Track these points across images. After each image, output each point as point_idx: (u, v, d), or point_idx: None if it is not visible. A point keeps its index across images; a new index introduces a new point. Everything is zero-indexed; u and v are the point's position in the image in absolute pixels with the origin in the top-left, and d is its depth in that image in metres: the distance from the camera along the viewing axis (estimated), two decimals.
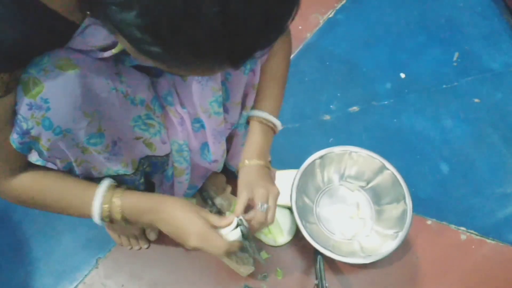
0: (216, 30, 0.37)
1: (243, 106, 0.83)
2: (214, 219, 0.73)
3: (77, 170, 0.68)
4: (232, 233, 0.73)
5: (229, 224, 0.73)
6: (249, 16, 0.37)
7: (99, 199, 0.67)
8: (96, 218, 0.68)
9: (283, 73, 0.85)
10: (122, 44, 0.45)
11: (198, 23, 0.36)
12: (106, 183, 0.69)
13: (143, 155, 0.75)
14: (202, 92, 0.72)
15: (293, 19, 0.42)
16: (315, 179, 1.06)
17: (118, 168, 0.70)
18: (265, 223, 0.77)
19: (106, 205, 0.68)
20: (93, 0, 0.40)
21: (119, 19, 0.38)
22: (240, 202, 0.76)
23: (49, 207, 0.70)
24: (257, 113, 0.82)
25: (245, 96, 0.81)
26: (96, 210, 0.67)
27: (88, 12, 0.47)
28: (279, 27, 0.42)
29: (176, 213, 0.70)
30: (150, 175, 0.84)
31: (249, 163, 0.80)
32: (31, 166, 0.66)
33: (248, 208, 0.78)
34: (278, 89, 0.85)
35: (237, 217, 0.74)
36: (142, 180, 0.78)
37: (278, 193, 0.79)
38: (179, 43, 0.38)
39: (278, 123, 0.83)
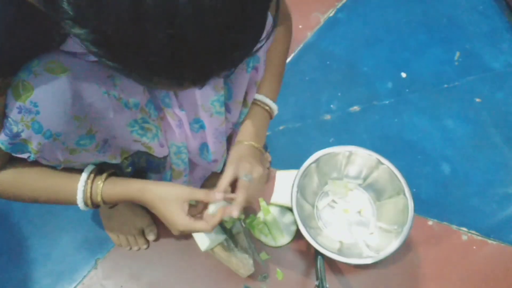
0: (166, 52, 0.37)
1: (244, 103, 0.82)
2: (201, 194, 0.71)
3: (61, 166, 0.68)
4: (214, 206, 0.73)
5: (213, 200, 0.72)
6: (199, 39, 0.36)
7: (82, 184, 0.68)
8: (80, 201, 0.69)
9: (282, 59, 0.84)
10: None
11: (149, 44, 0.36)
12: (88, 169, 0.70)
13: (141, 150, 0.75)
14: (204, 91, 0.71)
15: (263, 44, 0.41)
16: (314, 181, 1.06)
17: (105, 159, 0.70)
18: (251, 196, 0.74)
19: (88, 193, 0.69)
20: (50, 12, 0.39)
21: (73, 33, 0.38)
22: (225, 176, 0.73)
23: (35, 198, 0.70)
24: (256, 96, 0.81)
25: (246, 94, 0.80)
26: (79, 194, 0.68)
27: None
28: (239, 48, 0.41)
29: (156, 205, 0.70)
30: (145, 171, 0.83)
31: (243, 142, 0.78)
32: (12, 159, 0.66)
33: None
34: (276, 75, 0.84)
35: (221, 192, 0.72)
36: (129, 170, 0.76)
37: (262, 171, 0.76)
38: (134, 62, 0.38)
39: (274, 107, 0.82)
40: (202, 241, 0.88)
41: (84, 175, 0.69)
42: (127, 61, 0.38)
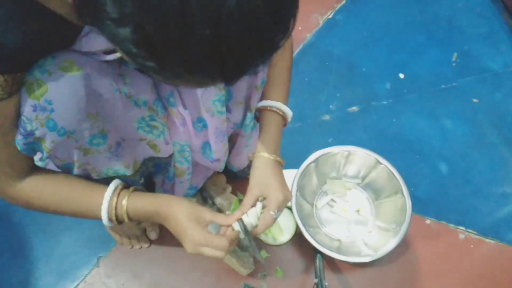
0: (208, 51, 0.38)
1: (247, 107, 0.82)
2: (221, 219, 0.72)
3: (76, 171, 0.68)
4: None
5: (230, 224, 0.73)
6: (241, 39, 0.38)
7: (107, 201, 0.68)
8: (104, 219, 0.69)
9: (288, 64, 0.86)
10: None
11: (190, 43, 0.37)
12: (113, 186, 0.70)
13: (147, 156, 0.76)
14: (205, 91, 0.72)
15: (287, 38, 0.43)
16: (313, 180, 1.07)
17: (118, 168, 0.70)
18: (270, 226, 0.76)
19: (113, 209, 0.69)
20: (89, 14, 0.40)
21: (114, 33, 0.38)
22: (250, 197, 0.74)
23: (58, 211, 0.70)
24: (269, 103, 0.80)
25: (249, 98, 0.81)
26: (104, 212, 0.68)
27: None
28: (272, 47, 0.42)
29: (178, 220, 0.70)
30: (153, 175, 0.84)
31: (263, 156, 0.77)
32: (36, 169, 0.67)
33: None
34: (285, 81, 0.85)
35: (243, 212, 0.73)
36: (142, 181, 0.78)
37: (291, 198, 0.78)
38: (172, 60, 0.39)
39: (290, 113, 0.82)
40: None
41: (111, 186, 0.69)
42: (166, 59, 0.39)
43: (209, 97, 0.73)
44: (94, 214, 0.69)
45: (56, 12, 0.50)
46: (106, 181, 0.73)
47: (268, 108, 0.80)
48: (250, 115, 0.83)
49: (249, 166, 0.99)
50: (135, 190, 0.73)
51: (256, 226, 0.74)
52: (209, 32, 0.36)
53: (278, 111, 0.80)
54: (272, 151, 0.77)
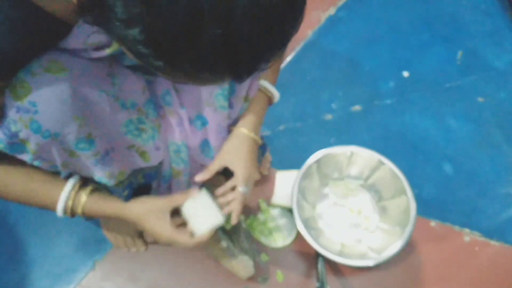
0: (218, 50, 0.38)
1: (245, 98, 0.82)
2: (179, 199, 0.73)
3: (63, 172, 0.68)
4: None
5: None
6: (251, 37, 0.38)
7: (65, 194, 0.68)
8: (59, 211, 0.69)
9: None
10: (127, 55, 0.45)
11: (200, 42, 0.37)
12: (74, 179, 0.70)
13: (136, 166, 0.75)
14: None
15: (296, 33, 0.43)
16: (314, 181, 1.05)
17: (101, 176, 0.70)
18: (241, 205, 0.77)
19: (70, 201, 0.69)
20: (96, 14, 0.40)
21: (123, 34, 0.38)
22: (215, 165, 0.76)
23: (17, 199, 0.69)
24: (260, 82, 0.81)
25: (248, 88, 0.80)
26: (60, 203, 0.68)
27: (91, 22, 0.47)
28: (282, 43, 0.42)
29: (139, 223, 0.73)
30: (143, 184, 0.83)
31: (241, 131, 0.79)
32: (1, 158, 0.65)
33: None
34: (277, 62, 0.84)
35: (204, 180, 0.75)
36: (125, 193, 0.77)
37: (258, 178, 0.81)
38: (182, 59, 0.39)
39: (277, 93, 0.83)
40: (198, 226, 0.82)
41: (68, 185, 0.69)
42: (175, 59, 0.39)
43: (213, 90, 0.72)
44: (47, 203, 0.69)
45: (48, 11, 0.49)
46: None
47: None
48: (245, 105, 0.82)
49: None
50: (94, 189, 0.73)
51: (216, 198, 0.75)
52: (219, 32, 0.36)
53: (265, 91, 0.81)
54: (251, 129, 0.79)
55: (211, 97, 0.73)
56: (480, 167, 1.19)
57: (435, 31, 1.47)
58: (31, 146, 0.58)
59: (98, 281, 0.98)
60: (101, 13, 0.38)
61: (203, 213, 0.73)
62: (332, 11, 1.51)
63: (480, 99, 1.32)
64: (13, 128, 0.56)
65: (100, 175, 0.69)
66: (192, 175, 0.92)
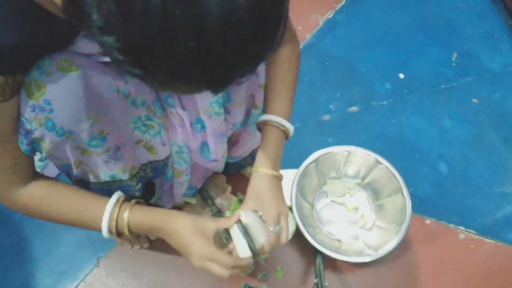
0: (192, 62, 0.38)
1: (249, 106, 0.82)
2: (223, 223, 0.71)
3: (75, 171, 0.69)
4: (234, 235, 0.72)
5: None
6: (225, 51, 0.38)
7: (108, 213, 0.68)
8: (104, 231, 0.69)
9: (293, 77, 0.84)
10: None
11: (175, 54, 0.37)
12: (115, 198, 0.70)
13: (145, 160, 0.76)
14: (203, 94, 0.72)
15: (275, 49, 0.43)
16: (313, 180, 1.07)
17: (115, 172, 0.70)
18: (279, 244, 0.75)
19: (114, 222, 0.68)
20: (76, 20, 0.40)
21: (100, 41, 0.39)
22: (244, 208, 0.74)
23: (57, 219, 0.70)
24: (270, 117, 0.79)
25: (252, 97, 0.81)
26: (104, 224, 0.68)
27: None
28: (257, 58, 0.42)
29: (183, 235, 0.70)
30: (152, 179, 0.84)
31: (262, 171, 0.76)
32: (37, 176, 0.66)
33: None
34: (289, 94, 0.83)
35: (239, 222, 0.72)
36: (139, 186, 0.77)
37: (288, 213, 0.77)
38: (157, 69, 0.39)
39: (291, 128, 0.81)
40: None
41: (113, 198, 0.69)
42: (151, 68, 0.39)
43: (207, 99, 0.73)
44: (93, 225, 0.69)
45: (51, 11, 0.50)
46: (104, 186, 0.73)
47: (269, 123, 0.79)
48: (257, 112, 0.82)
49: (250, 155, 0.99)
50: (137, 203, 0.72)
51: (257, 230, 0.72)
52: (193, 45, 0.36)
53: (279, 126, 0.79)
54: (270, 166, 0.76)
55: (206, 104, 0.73)
56: (474, 166, 1.21)
57: (430, 33, 1.49)
58: (46, 144, 0.59)
59: (102, 278, 1.00)
60: (81, 18, 0.38)
61: (253, 235, 0.72)
62: (330, 14, 1.52)
63: (474, 100, 1.33)
64: (28, 127, 0.57)
65: (114, 171, 0.70)
66: (193, 175, 0.94)
